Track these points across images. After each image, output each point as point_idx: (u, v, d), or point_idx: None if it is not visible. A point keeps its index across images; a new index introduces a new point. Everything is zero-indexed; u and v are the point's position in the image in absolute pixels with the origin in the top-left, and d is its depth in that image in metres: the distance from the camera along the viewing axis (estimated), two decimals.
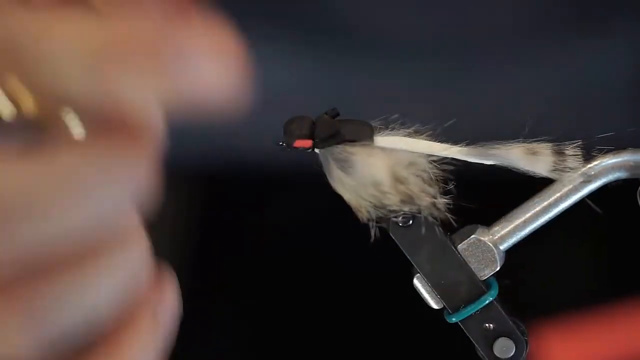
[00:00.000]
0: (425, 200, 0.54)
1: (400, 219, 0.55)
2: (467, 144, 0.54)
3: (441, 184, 0.54)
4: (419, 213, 0.54)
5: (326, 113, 0.54)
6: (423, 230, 0.55)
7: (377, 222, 0.54)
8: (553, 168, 0.54)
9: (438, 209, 0.54)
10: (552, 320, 0.98)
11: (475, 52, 1.01)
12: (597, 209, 0.54)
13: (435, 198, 0.54)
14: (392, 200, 0.54)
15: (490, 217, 0.56)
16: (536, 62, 1.02)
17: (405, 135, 0.54)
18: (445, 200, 0.54)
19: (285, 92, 1.01)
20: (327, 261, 1.06)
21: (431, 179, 0.54)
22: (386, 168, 0.53)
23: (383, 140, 0.54)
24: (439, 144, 0.54)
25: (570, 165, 0.53)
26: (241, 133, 1.05)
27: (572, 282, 1.09)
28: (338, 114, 0.55)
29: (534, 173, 0.54)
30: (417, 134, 0.54)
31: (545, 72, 1.03)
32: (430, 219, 0.54)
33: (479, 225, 0.57)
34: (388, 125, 0.55)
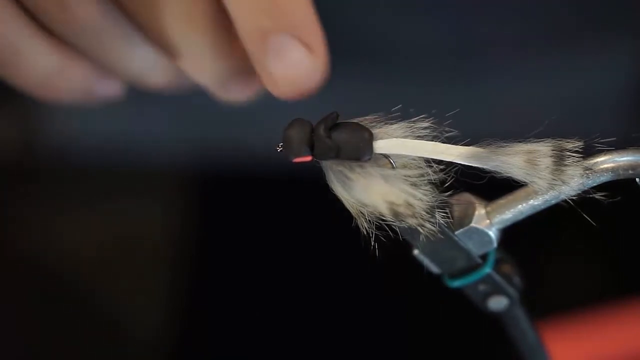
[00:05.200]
0: (421, 223, 0.54)
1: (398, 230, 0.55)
2: (468, 144, 0.54)
3: (439, 195, 0.54)
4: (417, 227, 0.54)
5: (326, 119, 0.54)
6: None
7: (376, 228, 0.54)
8: (550, 184, 0.54)
9: (435, 222, 0.54)
10: (554, 320, 0.98)
11: (479, 60, 1.01)
12: (598, 208, 0.54)
13: (432, 214, 0.54)
14: (389, 219, 0.54)
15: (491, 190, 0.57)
16: (538, 71, 1.02)
17: (405, 136, 0.54)
18: (443, 213, 0.55)
19: None
20: (329, 261, 1.06)
21: (429, 191, 0.54)
22: (382, 196, 0.54)
23: (383, 145, 0.54)
24: (439, 144, 0.54)
25: (567, 178, 0.54)
26: (241, 133, 1.05)
27: (574, 281, 1.09)
28: (338, 118, 0.55)
29: (532, 184, 0.54)
30: (415, 128, 0.54)
31: (547, 80, 1.03)
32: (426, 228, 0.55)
33: (475, 200, 0.57)
34: (388, 121, 0.55)
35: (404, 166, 0.55)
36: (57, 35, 0.64)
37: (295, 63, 0.56)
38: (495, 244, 0.57)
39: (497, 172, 0.54)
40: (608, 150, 0.54)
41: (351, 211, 0.54)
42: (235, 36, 0.61)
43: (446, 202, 0.55)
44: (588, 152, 0.54)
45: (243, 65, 0.62)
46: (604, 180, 0.54)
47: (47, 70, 0.64)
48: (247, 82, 0.63)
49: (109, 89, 0.67)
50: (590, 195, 0.54)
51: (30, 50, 0.64)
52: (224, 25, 0.61)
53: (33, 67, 0.64)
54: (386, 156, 0.54)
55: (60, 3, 0.61)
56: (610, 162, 0.54)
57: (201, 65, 0.62)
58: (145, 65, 0.65)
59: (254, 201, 1.09)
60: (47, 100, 0.67)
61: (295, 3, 0.57)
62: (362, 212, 0.54)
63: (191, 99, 1.05)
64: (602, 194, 0.54)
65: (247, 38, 0.57)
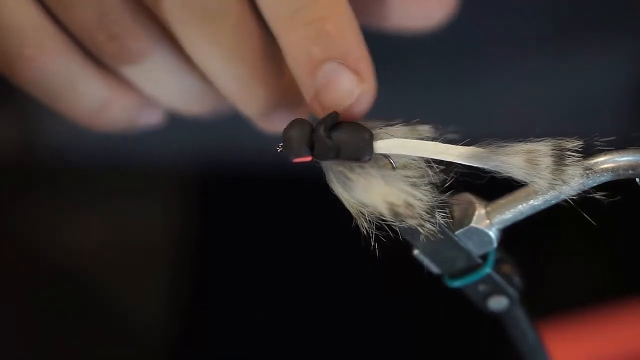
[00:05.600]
0: (421, 223, 0.54)
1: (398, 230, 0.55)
2: (468, 144, 0.54)
3: (439, 195, 0.54)
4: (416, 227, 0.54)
5: (326, 119, 0.54)
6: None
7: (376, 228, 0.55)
8: (550, 184, 0.54)
9: (435, 222, 0.54)
10: (554, 320, 0.98)
11: (479, 60, 1.01)
12: (598, 209, 0.54)
13: (432, 214, 0.54)
14: (389, 219, 0.54)
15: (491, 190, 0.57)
16: (538, 71, 1.02)
17: (405, 136, 0.54)
18: (443, 213, 0.55)
19: None
20: (329, 261, 1.06)
21: (429, 191, 0.54)
22: (382, 197, 0.54)
23: (383, 145, 0.54)
24: (439, 144, 0.54)
25: (568, 178, 0.54)
26: (241, 133, 1.05)
27: (574, 281, 1.09)
28: (338, 117, 0.55)
29: (533, 183, 0.54)
30: (416, 130, 0.55)
31: (547, 80, 1.03)
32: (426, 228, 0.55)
33: (475, 200, 0.57)
34: (388, 121, 0.55)
35: (404, 166, 0.55)
36: (106, 67, 0.65)
37: (345, 91, 0.56)
38: (495, 244, 0.57)
39: (497, 172, 0.54)
40: (608, 150, 0.54)
41: (351, 211, 0.54)
42: (281, 67, 0.61)
43: (446, 202, 0.55)
44: (588, 152, 0.54)
45: (287, 96, 0.63)
46: (604, 180, 0.54)
47: (97, 102, 0.65)
48: (291, 113, 0.63)
49: (152, 117, 0.68)
50: (590, 195, 0.54)
51: (83, 84, 0.65)
52: (271, 56, 0.61)
53: (85, 100, 0.65)
54: (386, 156, 0.54)
55: (111, 35, 0.61)
56: (610, 162, 0.54)
57: (247, 97, 0.62)
58: (188, 94, 0.65)
59: (254, 201, 1.09)
60: (94, 130, 0.67)
61: (344, 30, 0.57)
62: (362, 212, 0.54)
63: None
64: (602, 194, 0.54)
65: (296, 67, 0.57)
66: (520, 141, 0.54)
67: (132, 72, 0.64)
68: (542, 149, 0.54)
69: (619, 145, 0.54)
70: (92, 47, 0.63)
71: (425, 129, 0.55)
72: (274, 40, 0.59)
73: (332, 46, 0.56)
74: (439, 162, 0.54)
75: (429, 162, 0.55)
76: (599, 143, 0.54)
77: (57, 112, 0.66)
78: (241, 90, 0.62)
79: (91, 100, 0.65)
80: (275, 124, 0.64)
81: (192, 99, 0.66)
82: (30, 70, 0.63)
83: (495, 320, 0.61)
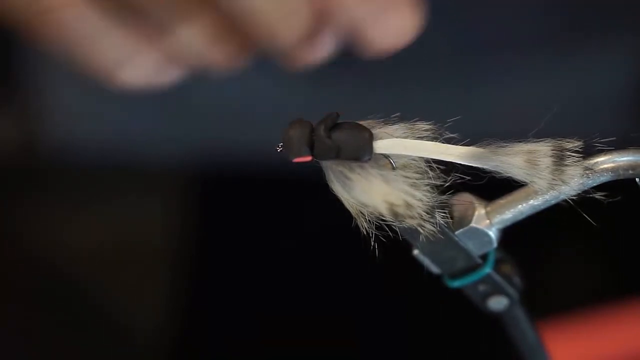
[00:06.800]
0: (421, 223, 0.54)
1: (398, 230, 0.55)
2: (468, 144, 0.54)
3: (439, 195, 0.55)
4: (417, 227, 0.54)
5: (326, 119, 0.54)
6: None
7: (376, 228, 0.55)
8: (550, 184, 0.54)
9: (435, 222, 0.54)
10: (554, 320, 0.98)
11: (479, 60, 1.01)
12: (598, 208, 0.54)
13: (432, 214, 0.54)
14: (389, 219, 0.54)
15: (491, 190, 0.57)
16: (538, 71, 1.02)
17: (405, 136, 0.54)
18: (443, 214, 0.55)
19: (286, 92, 1.01)
20: (329, 261, 1.06)
21: (429, 191, 0.54)
22: (382, 197, 0.54)
23: (383, 145, 0.54)
24: (439, 144, 0.54)
25: (567, 178, 0.54)
26: (241, 133, 1.05)
27: (574, 281, 1.09)
28: (338, 117, 0.55)
29: (532, 184, 0.54)
30: (416, 130, 0.55)
31: (547, 80, 1.03)
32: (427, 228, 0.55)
33: (475, 200, 0.57)
34: (388, 121, 0.55)
35: (404, 166, 0.55)
36: (129, 20, 0.64)
37: (399, 19, 0.57)
38: (495, 244, 0.57)
39: (497, 172, 0.54)
40: (608, 150, 0.54)
41: (351, 211, 0.54)
42: None
43: (446, 203, 0.55)
44: (588, 152, 0.54)
45: (316, 25, 0.62)
46: (604, 180, 0.54)
47: (119, 57, 0.64)
48: (320, 43, 0.63)
49: (170, 74, 0.67)
50: (590, 195, 0.54)
51: (104, 37, 0.64)
52: None
53: (106, 53, 0.64)
54: (386, 156, 0.54)
55: None
56: (610, 162, 0.54)
57: (289, 25, 0.62)
58: (212, 45, 0.64)
59: (254, 201, 1.09)
60: (114, 87, 0.66)
61: None
62: (362, 212, 0.54)
63: (191, 99, 1.06)
64: (602, 194, 0.54)
65: None
66: (520, 141, 0.54)
67: (157, 25, 0.63)
68: (542, 149, 0.54)
69: (619, 145, 0.54)
70: None
71: (425, 128, 0.55)
72: None
73: None
74: (439, 162, 0.54)
75: (429, 162, 0.55)
76: (599, 143, 0.54)
77: (76, 67, 0.65)
78: (274, 20, 0.61)
79: (112, 54, 0.64)
80: (309, 54, 0.64)
81: (209, 49, 0.64)
82: (50, 22, 0.62)
83: (495, 320, 0.61)
